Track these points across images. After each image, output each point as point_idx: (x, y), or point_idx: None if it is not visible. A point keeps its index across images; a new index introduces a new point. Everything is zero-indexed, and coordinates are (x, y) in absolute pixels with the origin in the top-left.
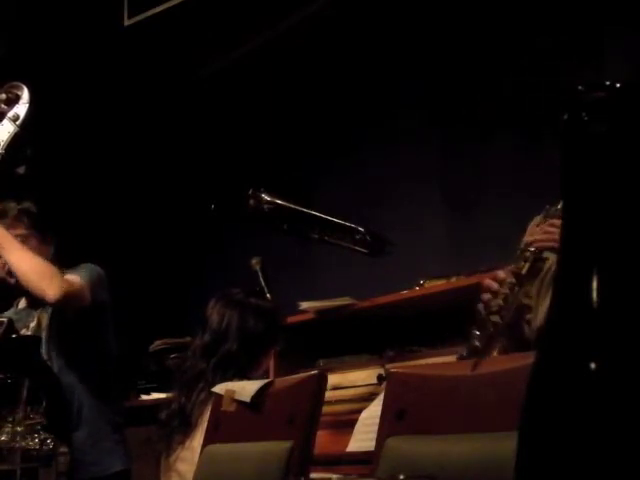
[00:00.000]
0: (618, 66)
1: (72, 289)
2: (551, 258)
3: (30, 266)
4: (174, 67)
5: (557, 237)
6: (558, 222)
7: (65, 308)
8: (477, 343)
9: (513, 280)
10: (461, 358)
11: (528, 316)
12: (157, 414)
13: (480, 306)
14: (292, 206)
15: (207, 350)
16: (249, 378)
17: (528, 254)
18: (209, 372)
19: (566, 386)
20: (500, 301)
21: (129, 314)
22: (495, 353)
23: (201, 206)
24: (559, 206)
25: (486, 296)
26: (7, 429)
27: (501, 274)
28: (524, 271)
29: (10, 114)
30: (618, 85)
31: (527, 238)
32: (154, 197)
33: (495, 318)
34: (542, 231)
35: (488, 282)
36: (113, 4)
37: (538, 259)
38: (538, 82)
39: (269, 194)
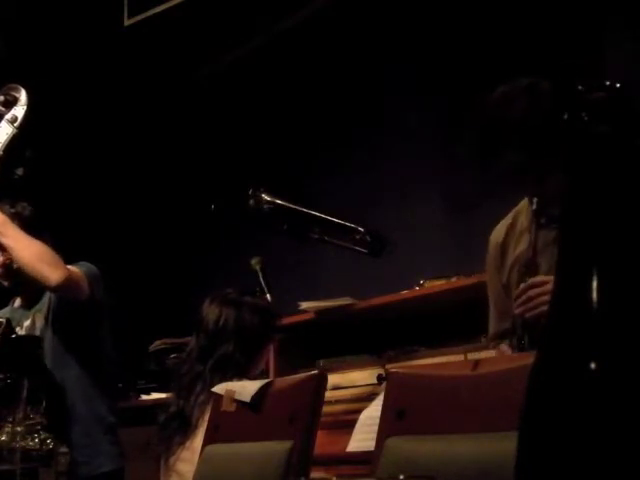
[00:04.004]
0: (618, 66)
1: (73, 277)
2: None
3: (33, 252)
4: (175, 66)
5: (545, 298)
6: (539, 280)
7: (64, 296)
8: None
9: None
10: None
11: None
12: (157, 415)
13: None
14: (292, 206)
15: (204, 352)
16: (248, 377)
17: (521, 327)
18: (207, 374)
19: (566, 386)
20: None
21: (129, 314)
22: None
23: (201, 206)
24: (518, 206)
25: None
26: (7, 429)
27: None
28: (526, 344)
29: (8, 116)
30: (618, 85)
31: (515, 310)
32: (154, 197)
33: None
34: (527, 299)
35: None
36: (113, 4)
37: (534, 327)
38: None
39: (269, 194)
